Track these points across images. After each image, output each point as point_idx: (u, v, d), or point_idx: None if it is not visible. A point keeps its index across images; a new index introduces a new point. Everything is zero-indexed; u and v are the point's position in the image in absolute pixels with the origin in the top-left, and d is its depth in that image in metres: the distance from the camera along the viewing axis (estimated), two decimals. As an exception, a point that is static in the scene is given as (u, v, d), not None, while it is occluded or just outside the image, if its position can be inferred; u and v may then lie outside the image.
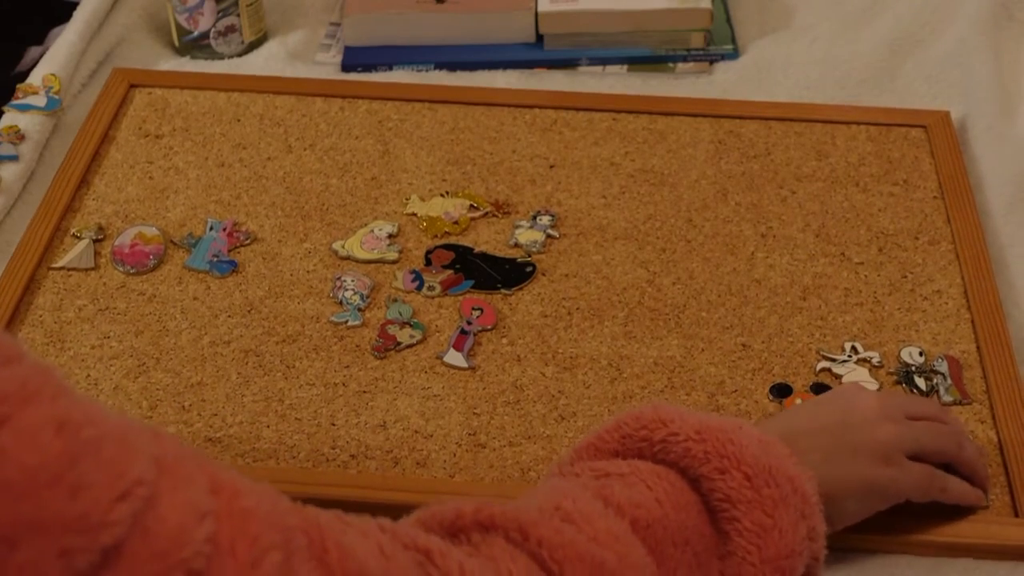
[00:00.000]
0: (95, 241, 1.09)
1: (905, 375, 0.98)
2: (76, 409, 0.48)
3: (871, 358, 0.99)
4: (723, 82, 1.30)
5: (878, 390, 0.96)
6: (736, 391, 0.97)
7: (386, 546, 0.59)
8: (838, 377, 0.98)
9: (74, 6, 1.33)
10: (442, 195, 1.14)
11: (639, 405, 0.80)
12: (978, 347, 1.00)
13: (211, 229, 1.10)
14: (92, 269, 1.07)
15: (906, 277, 1.06)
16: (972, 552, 0.86)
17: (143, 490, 0.48)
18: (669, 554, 0.69)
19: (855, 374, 0.98)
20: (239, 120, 1.22)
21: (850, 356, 0.99)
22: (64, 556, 0.45)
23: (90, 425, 0.48)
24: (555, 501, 0.69)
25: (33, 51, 1.36)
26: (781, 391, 0.96)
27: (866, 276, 1.07)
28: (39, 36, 1.38)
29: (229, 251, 1.08)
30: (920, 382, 0.97)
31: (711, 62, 1.32)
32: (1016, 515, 0.88)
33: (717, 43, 1.33)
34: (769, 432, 0.77)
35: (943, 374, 0.98)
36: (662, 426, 0.74)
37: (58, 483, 0.46)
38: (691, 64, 1.31)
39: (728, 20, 1.36)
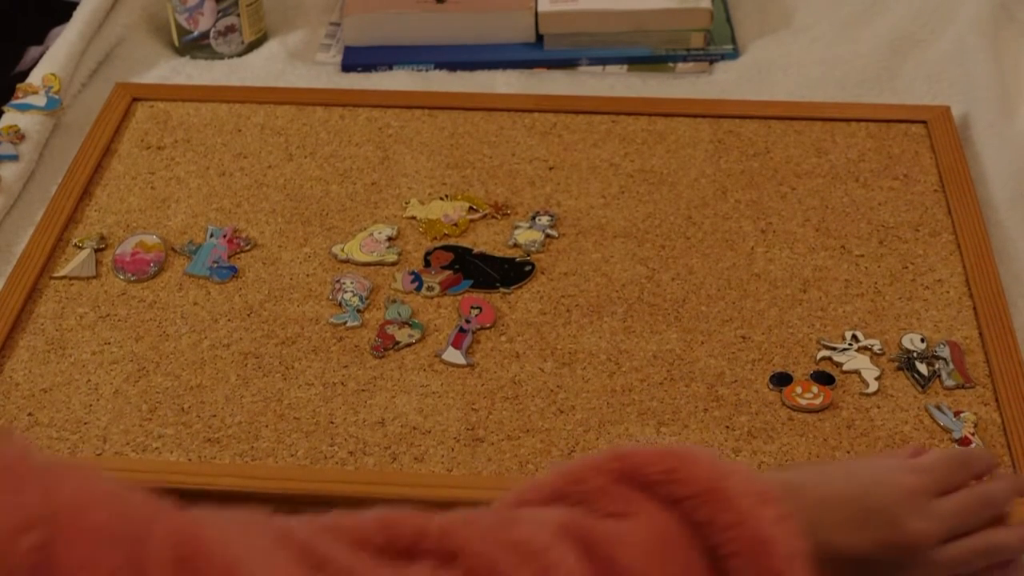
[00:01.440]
0: (97, 250, 1.09)
1: (907, 361, 0.97)
2: None
3: (872, 346, 0.98)
4: (723, 82, 1.30)
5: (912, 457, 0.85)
6: (736, 381, 0.97)
7: (283, 573, 0.55)
8: (839, 365, 0.97)
9: (74, 6, 1.35)
10: (441, 198, 1.14)
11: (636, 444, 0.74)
12: (980, 332, 1.00)
13: (211, 236, 1.10)
14: (93, 277, 1.07)
15: (907, 268, 1.06)
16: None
17: None
18: None
19: (856, 362, 0.97)
20: (240, 130, 1.23)
21: (851, 344, 0.99)
22: None
23: None
24: (543, 543, 0.63)
25: (33, 51, 1.37)
26: (781, 380, 0.96)
27: (866, 268, 1.06)
28: (39, 36, 1.39)
29: (229, 257, 1.09)
30: (922, 368, 0.96)
31: (711, 62, 1.32)
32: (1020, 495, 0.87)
33: (717, 43, 1.33)
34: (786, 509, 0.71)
35: (945, 359, 0.97)
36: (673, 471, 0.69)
37: None
38: (691, 64, 1.32)
39: (728, 20, 1.36)
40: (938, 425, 0.93)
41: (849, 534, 0.75)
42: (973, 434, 0.92)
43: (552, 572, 0.62)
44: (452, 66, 1.32)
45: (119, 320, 1.03)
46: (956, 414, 0.93)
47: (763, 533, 0.67)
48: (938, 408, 0.93)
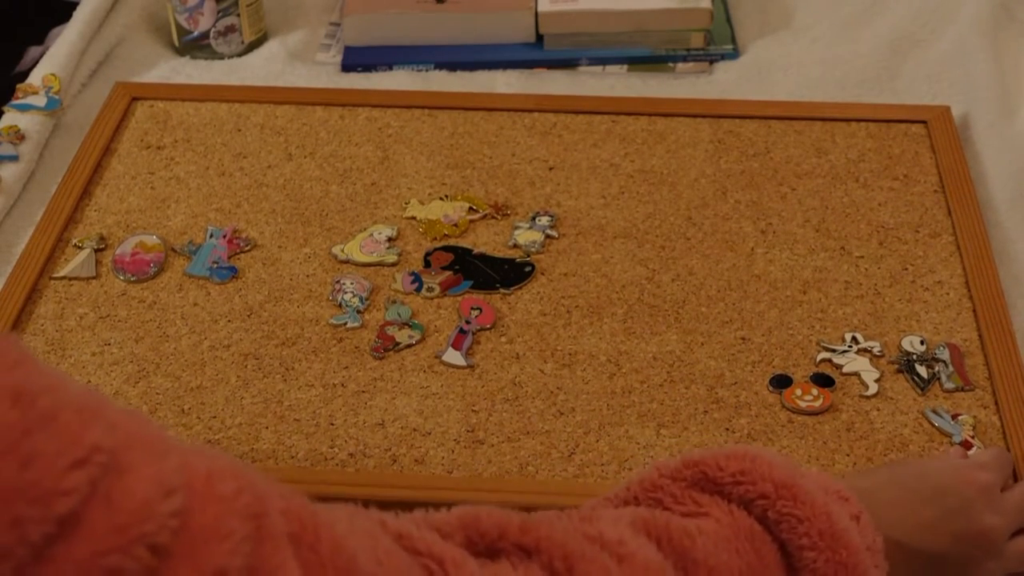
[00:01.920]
0: (96, 251, 1.09)
1: (906, 364, 0.97)
2: (34, 378, 0.47)
3: (872, 348, 0.98)
4: (723, 82, 1.30)
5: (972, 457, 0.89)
6: (736, 383, 0.97)
7: (385, 552, 0.57)
8: (839, 367, 0.97)
9: (74, 6, 1.35)
10: (441, 199, 1.14)
11: (726, 447, 0.74)
12: (980, 335, 1.00)
13: (211, 236, 1.10)
14: (93, 278, 1.07)
15: (907, 269, 1.06)
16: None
17: (101, 457, 0.47)
18: None
19: (856, 364, 0.97)
20: (240, 130, 1.22)
21: (851, 346, 0.99)
22: (16, 526, 0.44)
23: (47, 394, 0.47)
24: (619, 535, 0.65)
25: (33, 51, 1.37)
26: (781, 382, 0.96)
27: (866, 269, 1.06)
28: (39, 36, 1.39)
29: (229, 258, 1.09)
30: (921, 370, 0.96)
31: (711, 62, 1.32)
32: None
33: (717, 43, 1.33)
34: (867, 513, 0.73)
35: (944, 361, 0.97)
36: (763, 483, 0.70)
37: (10, 453, 0.44)
38: (691, 64, 1.32)
39: (728, 20, 1.36)
40: (936, 429, 0.93)
41: (920, 534, 0.77)
42: (972, 437, 0.92)
43: (628, 561, 0.64)
44: (452, 66, 1.32)
45: (119, 321, 1.03)
46: (954, 417, 0.93)
47: (837, 527, 0.69)
48: (935, 412, 0.93)
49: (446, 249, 1.09)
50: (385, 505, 0.66)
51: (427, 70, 1.31)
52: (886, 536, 0.73)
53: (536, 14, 1.32)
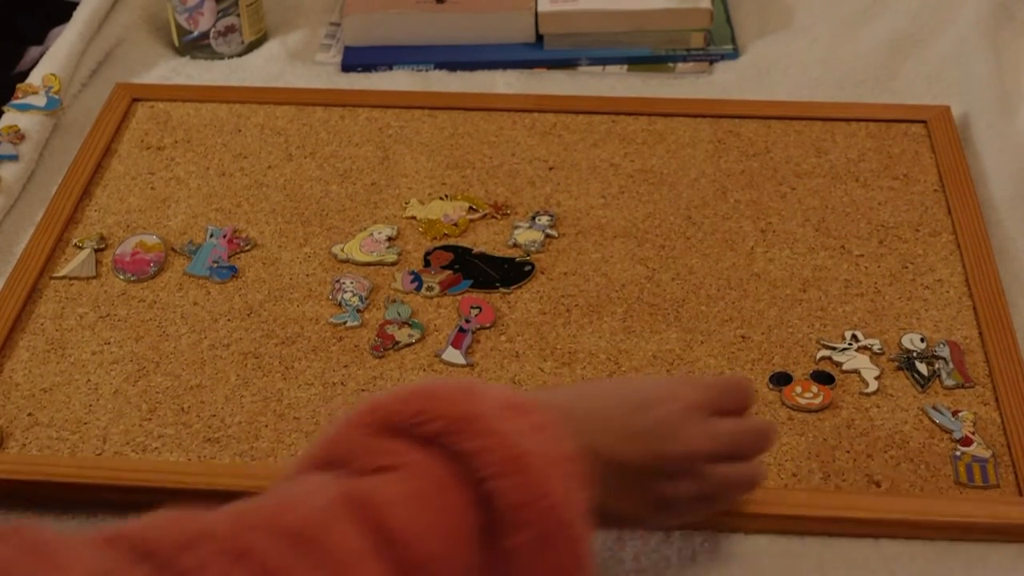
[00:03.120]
0: (96, 250, 1.09)
1: (906, 361, 0.97)
2: None
3: (872, 346, 0.98)
4: (723, 82, 1.30)
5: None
6: (735, 381, 0.97)
7: None
8: (839, 365, 0.97)
9: (74, 6, 1.35)
10: (441, 198, 1.14)
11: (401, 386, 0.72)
12: (980, 332, 1.00)
13: (211, 236, 1.10)
14: (93, 278, 1.07)
15: (907, 267, 1.06)
16: (976, 532, 0.86)
17: None
18: None
19: (856, 361, 0.97)
20: (240, 130, 1.23)
21: (850, 344, 0.99)
22: None
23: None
24: (322, 523, 0.62)
25: (33, 51, 1.37)
26: (781, 379, 0.96)
27: (866, 268, 1.06)
28: (39, 36, 1.40)
29: (229, 257, 1.09)
30: (922, 367, 0.96)
31: (711, 62, 1.32)
32: (1021, 495, 0.88)
33: (717, 43, 1.33)
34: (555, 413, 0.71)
35: (945, 359, 0.97)
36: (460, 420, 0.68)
37: None
38: (691, 64, 1.32)
39: (728, 20, 1.36)
40: (936, 425, 0.93)
41: (623, 444, 0.75)
42: (973, 433, 0.92)
43: (329, 558, 0.61)
44: (452, 66, 1.32)
45: (119, 320, 1.03)
46: (955, 413, 0.93)
47: (517, 448, 0.67)
48: (935, 408, 0.93)
49: (446, 249, 1.09)
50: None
51: (427, 70, 1.31)
52: (584, 446, 0.71)
53: (536, 14, 1.32)
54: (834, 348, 0.98)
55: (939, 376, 0.96)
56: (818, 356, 0.98)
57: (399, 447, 0.68)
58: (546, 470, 0.67)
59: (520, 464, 0.66)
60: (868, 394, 0.95)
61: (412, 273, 1.07)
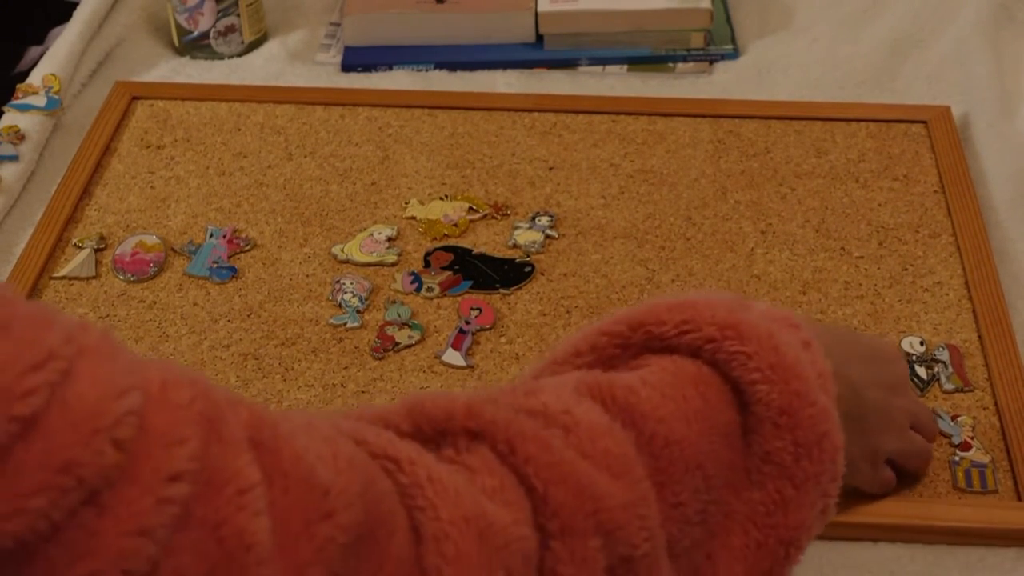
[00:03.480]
0: (96, 250, 1.09)
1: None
2: None
3: (871, 349, 0.98)
4: (723, 82, 1.30)
5: None
6: (735, 384, 0.97)
7: (345, 460, 0.56)
8: (838, 368, 0.97)
9: (74, 6, 1.34)
10: (441, 199, 1.14)
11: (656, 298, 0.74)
12: (980, 335, 1.00)
13: (211, 236, 1.10)
14: (93, 278, 1.07)
15: (906, 270, 1.06)
16: (975, 537, 0.86)
17: (58, 363, 0.47)
18: (678, 478, 0.65)
19: (855, 365, 0.97)
20: (240, 129, 1.23)
21: (850, 347, 0.99)
22: None
23: (1, 307, 0.47)
24: (563, 404, 0.65)
25: (33, 51, 1.37)
26: (780, 383, 0.96)
27: (866, 269, 1.06)
28: (39, 36, 1.39)
29: (229, 257, 1.09)
30: (921, 371, 0.97)
31: (711, 62, 1.32)
32: (1019, 500, 0.88)
33: (717, 43, 1.33)
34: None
35: (944, 362, 0.97)
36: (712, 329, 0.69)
37: None
38: (691, 64, 1.32)
39: (728, 20, 1.36)
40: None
41: (865, 387, 0.78)
42: (972, 438, 0.92)
43: (574, 430, 0.63)
44: (452, 66, 1.32)
45: (119, 320, 1.03)
46: (954, 418, 0.93)
47: (786, 358, 0.68)
48: (934, 413, 0.93)
49: (446, 249, 1.09)
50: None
51: (427, 70, 1.31)
52: (835, 369, 0.72)
53: (536, 14, 1.32)
54: (834, 351, 0.98)
55: (938, 380, 0.96)
56: (818, 359, 0.98)
57: (656, 356, 0.70)
58: (811, 382, 0.68)
59: (790, 372, 0.68)
60: (868, 397, 0.95)
61: (412, 274, 1.07)
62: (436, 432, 0.63)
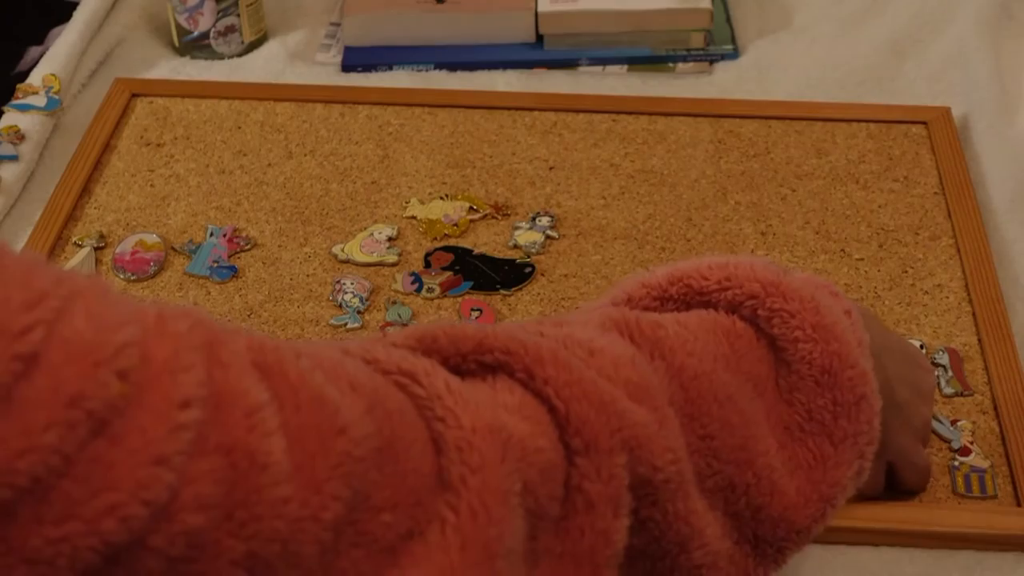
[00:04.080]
0: (96, 249, 1.09)
1: (905, 368, 0.97)
2: None
3: (871, 352, 0.98)
4: (723, 82, 1.30)
5: None
6: (735, 387, 0.97)
7: (354, 377, 0.56)
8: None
9: (74, 6, 1.34)
10: (442, 198, 1.14)
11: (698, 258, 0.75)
12: (979, 339, 1.00)
13: (211, 235, 1.10)
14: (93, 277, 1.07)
15: (906, 272, 1.06)
16: (975, 542, 0.86)
17: (51, 302, 0.47)
18: (706, 410, 0.66)
19: (855, 368, 0.97)
20: (240, 127, 1.22)
21: (850, 350, 0.99)
22: None
23: None
24: (588, 334, 0.65)
25: (33, 51, 1.36)
26: (780, 386, 0.96)
27: (866, 272, 1.06)
28: (39, 36, 1.39)
29: (229, 257, 1.09)
30: (920, 375, 0.97)
31: (711, 62, 1.32)
32: (1019, 504, 0.88)
33: (717, 43, 1.33)
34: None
35: (944, 366, 0.97)
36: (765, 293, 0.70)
37: None
38: (691, 64, 1.32)
39: (728, 20, 1.36)
40: (934, 434, 0.93)
41: (897, 384, 0.78)
42: (971, 443, 0.92)
43: (598, 355, 0.64)
44: (452, 66, 1.31)
45: (119, 320, 1.03)
46: (953, 422, 0.93)
47: (828, 319, 0.69)
48: (934, 417, 0.93)
49: (446, 249, 1.09)
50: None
51: (427, 70, 1.31)
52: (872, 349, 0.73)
53: (536, 14, 1.32)
54: (834, 354, 0.98)
55: (938, 384, 0.96)
56: (818, 362, 0.98)
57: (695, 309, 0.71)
58: (852, 346, 0.69)
59: (831, 333, 0.69)
60: (867, 400, 0.95)
61: (412, 274, 1.07)
62: (449, 366, 0.62)
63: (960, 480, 0.89)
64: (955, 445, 0.92)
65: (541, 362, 0.61)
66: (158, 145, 1.21)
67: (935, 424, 0.93)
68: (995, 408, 0.94)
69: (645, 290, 0.73)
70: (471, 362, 0.62)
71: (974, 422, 0.94)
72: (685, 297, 0.71)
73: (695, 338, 0.67)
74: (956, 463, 0.90)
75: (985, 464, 0.90)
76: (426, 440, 0.57)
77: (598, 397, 0.61)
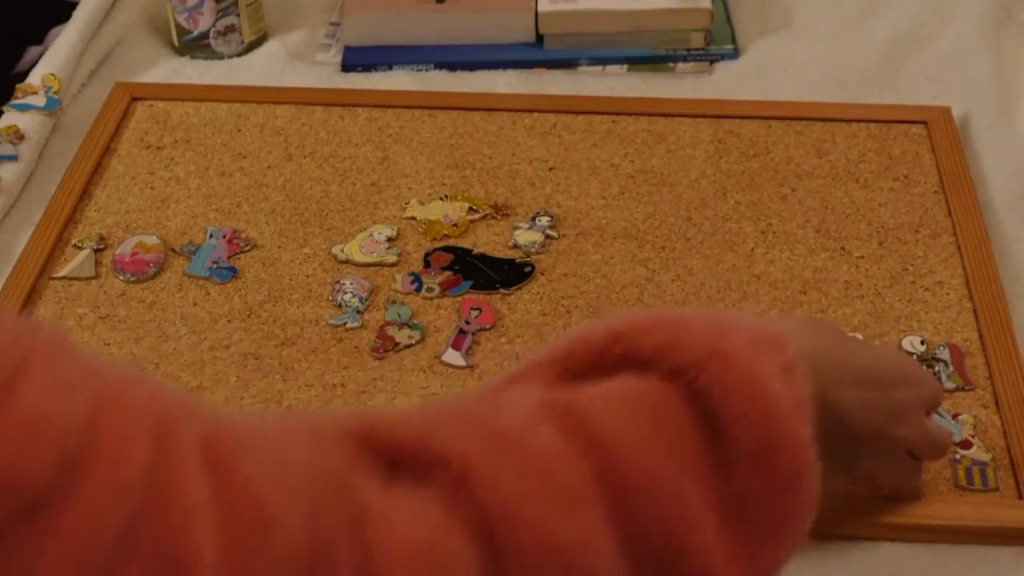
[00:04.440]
0: (96, 251, 1.09)
1: (906, 364, 0.97)
2: None
3: (872, 349, 0.98)
4: (723, 82, 1.30)
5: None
6: (736, 384, 0.97)
7: (302, 481, 0.54)
8: (838, 368, 0.97)
9: (74, 6, 1.34)
10: (441, 199, 1.14)
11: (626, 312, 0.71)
12: (980, 335, 1.00)
13: (211, 237, 1.10)
14: (93, 278, 1.07)
15: (907, 269, 1.06)
16: (976, 536, 0.86)
17: (2, 371, 0.45)
18: (640, 504, 0.62)
19: (855, 364, 0.97)
20: (240, 130, 1.22)
21: (850, 347, 0.98)
22: None
23: None
24: (520, 428, 0.62)
25: (33, 51, 1.37)
26: (780, 382, 0.96)
27: (867, 269, 1.06)
28: (39, 36, 1.39)
29: (229, 258, 1.09)
30: (921, 371, 0.97)
31: (711, 62, 1.32)
32: (1020, 497, 0.88)
33: (717, 43, 1.33)
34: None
35: (945, 361, 0.97)
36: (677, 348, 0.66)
37: None
38: (691, 64, 1.32)
39: (728, 20, 1.36)
40: (937, 428, 0.93)
41: (857, 411, 0.75)
42: (973, 436, 0.92)
43: (529, 458, 0.61)
44: (452, 66, 1.32)
45: (119, 321, 1.03)
46: (955, 416, 0.93)
47: (767, 391, 0.65)
48: (936, 412, 0.93)
49: (446, 249, 1.09)
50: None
51: (427, 70, 1.31)
52: (820, 394, 0.70)
53: (536, 14, 1.32)
54: (834, 350, 0.98)
55: (939, 379, 0.96)
56: (818, 358, 0.98)
57: (632, 374, 0.67)
58: (789, 419, 0.66)
59: (768, 412, 0.65)
60: (868, 397, 0.95)
61: (412, 274, 1.06)
62: (388, 460, 0.60)
63: (962, 473, 0.89)
64: (956, 439, 0.91)
65: (475, 473, 0.59)
66: (158, 148, 1.21)
67: (936, 418, 0.92)
68: (996, 402, 0.94)
69: (585, 347, 0.69)
70: (407, 461, 0.60)
71: (975, 416, 0.93)
72: (625, 356, 0.68)
73: (631, 422, 0.64)
74: (957, 456, 0.90)
75: (986, 457, 0.90)
76: (351, 566, 0.55)
77: (527, 517, 0.59)
